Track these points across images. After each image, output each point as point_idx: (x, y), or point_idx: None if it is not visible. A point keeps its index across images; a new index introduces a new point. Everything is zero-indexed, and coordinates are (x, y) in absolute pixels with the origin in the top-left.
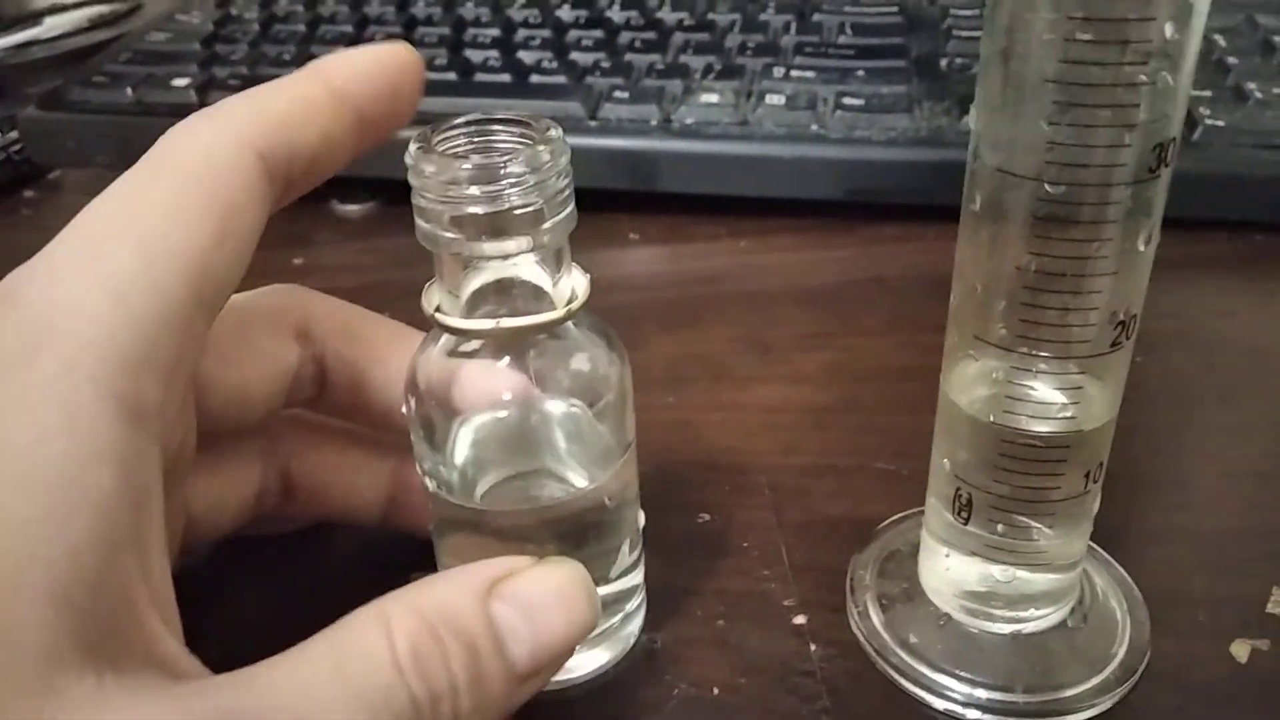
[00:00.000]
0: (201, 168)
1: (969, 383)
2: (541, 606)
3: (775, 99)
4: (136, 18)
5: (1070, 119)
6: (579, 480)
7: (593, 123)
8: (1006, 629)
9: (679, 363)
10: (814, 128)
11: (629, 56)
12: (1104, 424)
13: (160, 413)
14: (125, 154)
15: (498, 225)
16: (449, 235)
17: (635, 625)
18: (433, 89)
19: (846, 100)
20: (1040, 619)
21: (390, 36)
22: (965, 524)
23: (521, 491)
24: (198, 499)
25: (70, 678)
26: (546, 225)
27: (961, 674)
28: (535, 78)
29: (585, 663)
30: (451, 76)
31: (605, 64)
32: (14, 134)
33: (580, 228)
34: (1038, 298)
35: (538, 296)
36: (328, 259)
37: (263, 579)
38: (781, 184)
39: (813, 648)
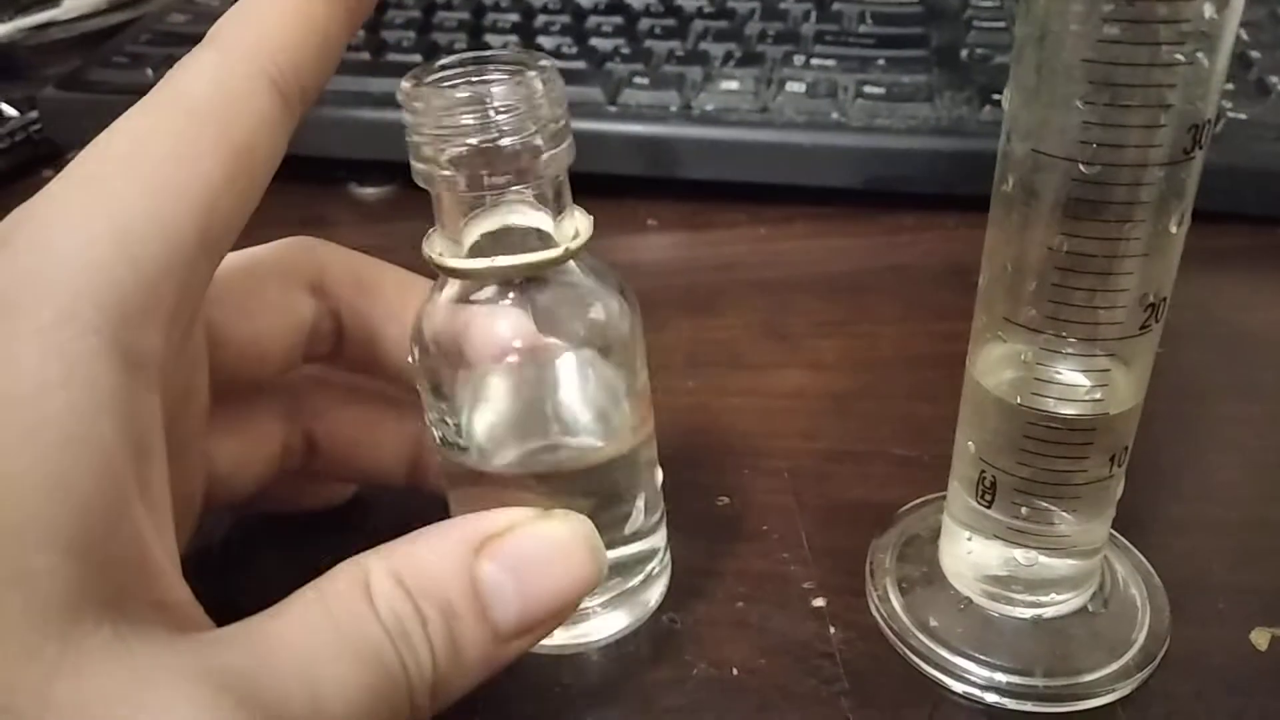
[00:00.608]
0: (211, 102)
1: (996, 365)
2: (535, 564)
3: (796, 87)
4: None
5: (1105, 99)
6: (591, 430)
7: (612, 108)
8: (1027, 613)
9: (697, 348)
10: (834, 116)
11: (649, 43)
12: (1130, 408)
13: (160, 361)
14: None
15: (494, 160)
16: (445, 173)
17: (656, 592)
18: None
19: (867, 89)
20: (1061, 604)
21: (410, 20)
22: (988, 507)
23: (532, 444)
24: (220, 458)
25: (86, 627)
26: (544, 157)
27: (981, 657)
28: (556, 64)
29: (603, 626)
30: None
31: (625, 50)
32: (34, 114)
33: (597, 214)
34: (1068, 279)
35: (544, 240)
36: (345, 242)
37: (290, 555)
38: (801, 172)
39: (832, 630)
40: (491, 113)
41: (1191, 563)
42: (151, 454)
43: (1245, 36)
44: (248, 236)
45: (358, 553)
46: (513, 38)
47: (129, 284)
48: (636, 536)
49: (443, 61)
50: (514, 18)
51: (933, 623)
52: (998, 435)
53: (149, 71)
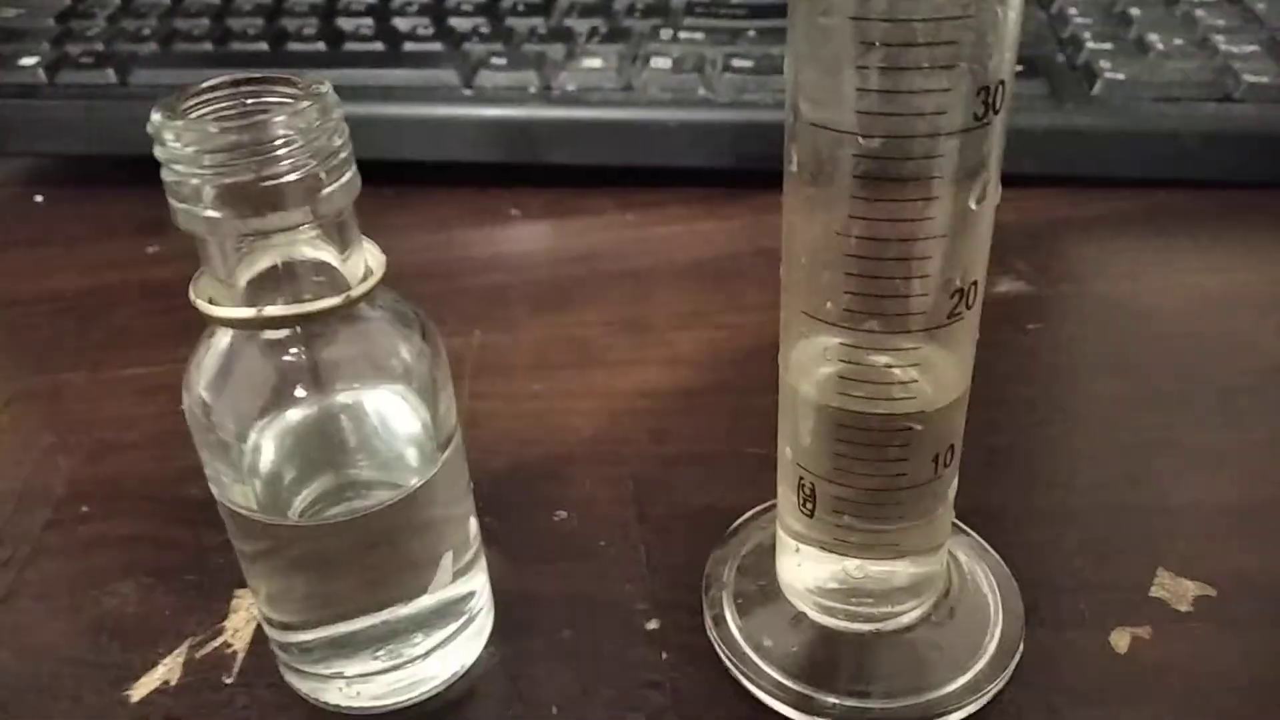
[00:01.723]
0: None
1: (805, 363)
2: None
3: (661, 62)
4: None
5: (880, 61)
6: (387, 478)
7: (468, 91)
8: (865, 627)
9: (549, 347)
10: (701, 91)
11: (510, 21)
12: (951, 402)
13: None
14: None
15: (266, 197)
16: (210, 215)
17: (477, 630)
18: (299, 60)
19: (735, 62)
20: (900, 615)
21: (258, 6)
22: (810, 516)
23: (329, 503)
24: None
25: None
26: (324, 193)
27: (814, 680)
28: (409, 45)
29: (424, 674)
30: (320, 47)
31: (485, 29)
32: None
33: (458, 204)
34: (865, 266)
35: (330, 276)
36: (186, 245)
37: None
38: (668, 152)
39: (664, 655)
40: (263, 145)
41: (1052, 558)
42: None
43: None
44: (76, 245)
45: None
46: (366, 21)
47: None
48: (443, 589)
49: (201, 86)
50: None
51: (767, 642)
52: (812, 439)
53: None
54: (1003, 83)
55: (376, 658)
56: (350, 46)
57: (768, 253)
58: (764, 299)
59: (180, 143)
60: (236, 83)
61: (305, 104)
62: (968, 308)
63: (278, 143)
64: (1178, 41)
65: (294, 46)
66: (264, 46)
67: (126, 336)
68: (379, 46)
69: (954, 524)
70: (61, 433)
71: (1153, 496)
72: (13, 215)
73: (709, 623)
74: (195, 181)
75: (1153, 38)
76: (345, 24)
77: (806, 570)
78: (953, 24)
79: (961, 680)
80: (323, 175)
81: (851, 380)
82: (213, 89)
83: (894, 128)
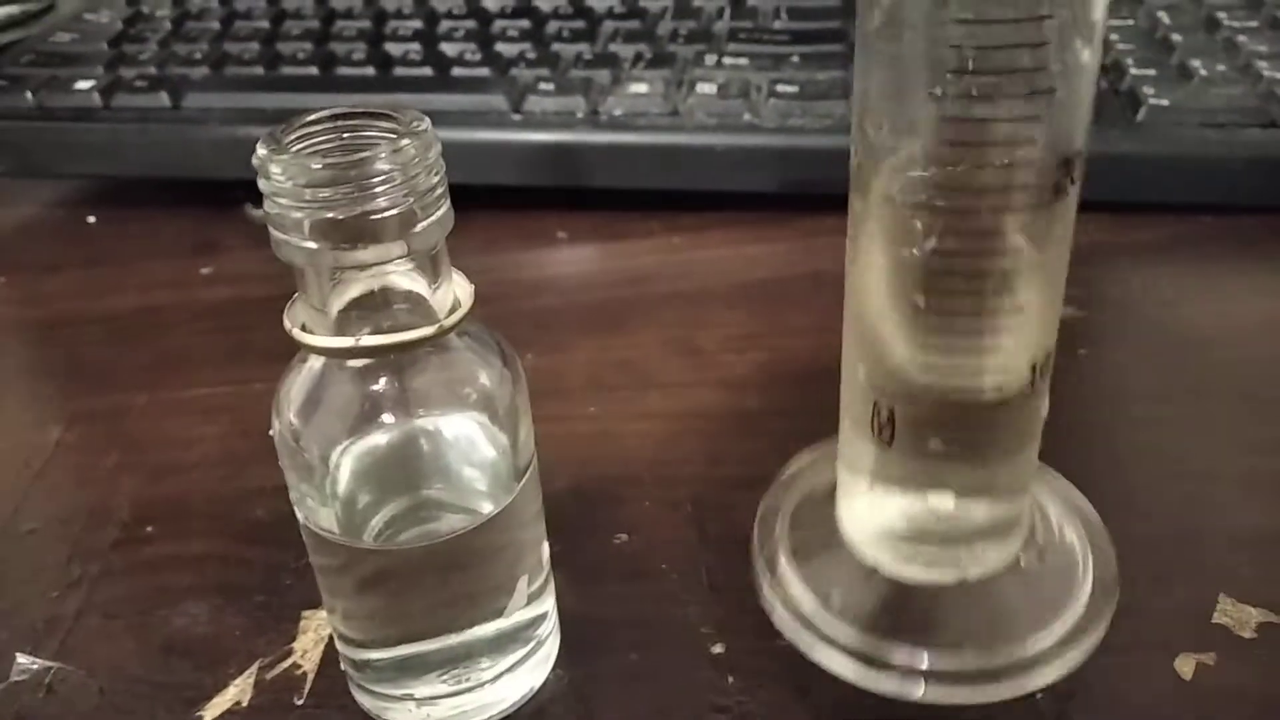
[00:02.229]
0: None
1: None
2: None
3: (707, 88)
4: (50, 18)
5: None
6: (467, 506)
7: (517, 116)
8: (951, 576)
9: (604, 369)
10: (747, 117)
11: (556, 46)
12: (1048, 299)
13: None
14: (26, 161)
15: (363, 231)
16: (308, 245)
17: (545, 655)
18: (349, 85)
19: (780, 88)
20: (988, 559)
21: (308, 31)
22: (890, 445)
23: (403, 521)
24: None
25: None
26: (418, 228)
27: (900, 640)
28: (457, 70)
29: (493, 698)
30: (369, 71)
31: (531, 55)
32: None
33: (507, 227)
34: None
35: (418, 305)
36: (239, 267)
37: None
38: (714, 177)
39: (730, 679)
40: (362, 185)
41: None
42: None
43: (1167, 20)
44: (130, 266)
45: None
46: (414, 45)
47: None
48: (518, 611)
49: (303, 120)
50: (416, 24)
51: (835, 599)
52: (893, 351)
53: (29, 95)
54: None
55: (444, 680)
56: (399, 71)
57: (815, 276)
58: (813, 322)
59: (284, 176)
60: (336, 116)
61: (405, 141)
62: (1073, 183)
63: (377, 179)
64: (1220, 68)
65: (343, 71)
66: (314, 70)
67: (184, 357)
68: (427, 71)
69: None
70: (124, 453)
71: (1211, 522)
72: (67, 236)
73: (765, 589)
74: (297, 215)
75: (1195, 64)
76: (393, 49)
77: (880, 513)
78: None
79: (1061, 628)
80: (418, 211)
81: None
82: (314, 122)
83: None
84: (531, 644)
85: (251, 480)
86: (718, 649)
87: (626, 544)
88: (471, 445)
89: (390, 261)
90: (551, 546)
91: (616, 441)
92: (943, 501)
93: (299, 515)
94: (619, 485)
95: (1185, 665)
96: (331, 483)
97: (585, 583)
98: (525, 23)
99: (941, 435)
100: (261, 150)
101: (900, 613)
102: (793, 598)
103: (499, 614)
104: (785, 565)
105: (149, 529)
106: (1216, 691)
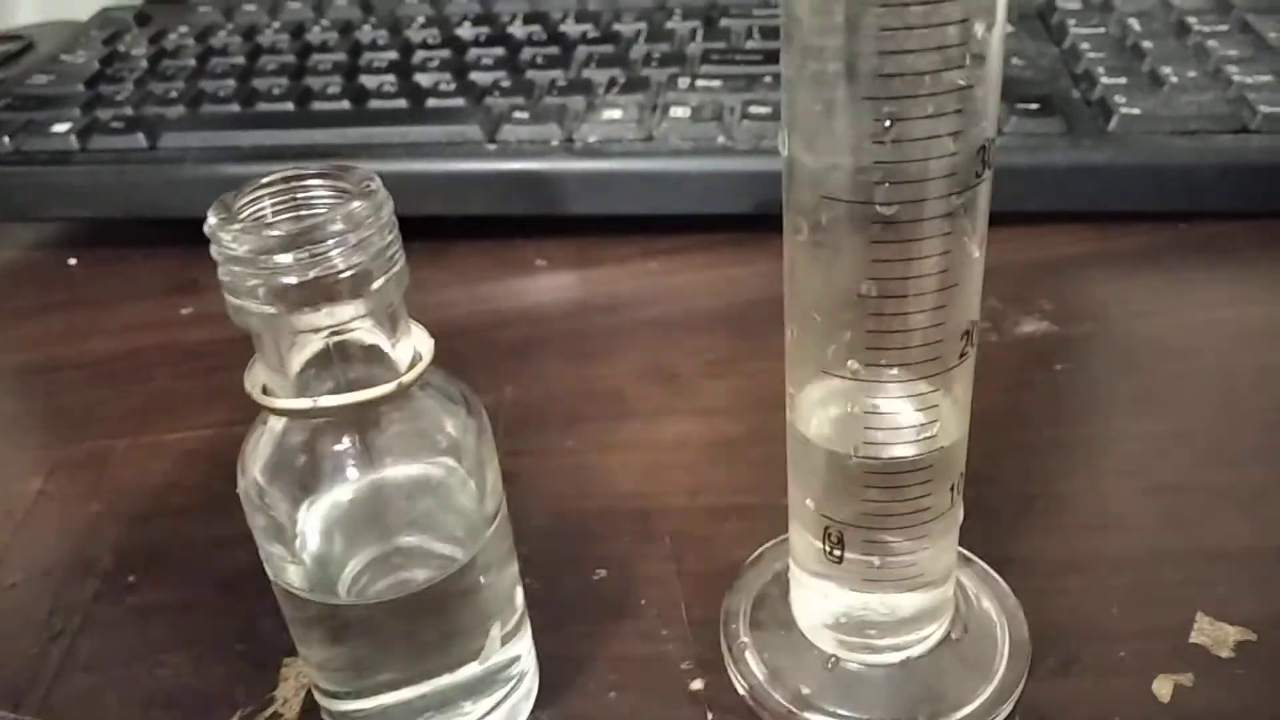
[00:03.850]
0: None
1: (820, 415)
2: None
3: (680, 111)
4: (27, 59)
5: (894, 135)
6: (437, 556)
7: (492, 146)
8: (896, 656)
9: (581, 400)
10: (721, 139)
11: (530, 74)
12: (961, 437)
13: None
14: (6, 206)
15: (319, 293)
16: (265, 310)
17: (522, 695)
18: (325, 119)
19: (753, 109)
20: (927, 639)
21: (283, 65)
22: (839, 562)
23: (376, 576)
24: None
25: None
26: (375, 286)
27: (863, 717)
28: (432, 101)
29: None
30: (345, 105)
31: (505, 83)
32: None
33: (485, 257)
34: (884, 322)
35: (378, 359)
36: (219, 306)
37: None
38: (689, 200)
39: (709, 716)
40: (316, 249)
41: (1089, 605)
42: None
43: (1137, 27)
44: (110, 308)
45: None
46: (389, 77)
47: None
48: (492, 657)
49: (253, 184)
50: (391, 55)
51: (805, 690)
52: (836, 489)
53: (6, 140)
54: (991, 140)
55: None
56: (374, 104)
57: None
58: None
59: (236, 245)
60: (288, 179)
61: (356, 204)
62: (971, 346)
63: (330, 242)
64: (1191, 74)
65: (319, 105)
66: (290, 106)
67: (166, 400)
68: (402, 103)
69: None
70: (106, 500)
71: (1188, 539)
72: (47, 279)
73: (738, 679)
74: (251, 281)
75: (1166, 70)
76: (369, 81)
77: (833, 611)
78: (957, 94)
79: (990, 688)
80: (374, 270)
81: (875, 429)
82: (265, 185)
83: (910, 194)
84: (511, 683)
85: (233, 526)
86: (697, 685)
87: (605, 580)
88: (438, 494)
89: (348, 321)
90: (530, 584)
91: (594, 474)
92: (881, 600)
93: (269, 572)
94: (597, 519)
95: (1163, 687)
96: (299, 539)
97: (564, 622)
98: (499, 50)
99: (882, 552)
100: (212, 219)
101: (863, 698)
102: (769, 696)
103: (474, 659)
104: (755, 666)
105: (131, 578)
106: (1195, 713)
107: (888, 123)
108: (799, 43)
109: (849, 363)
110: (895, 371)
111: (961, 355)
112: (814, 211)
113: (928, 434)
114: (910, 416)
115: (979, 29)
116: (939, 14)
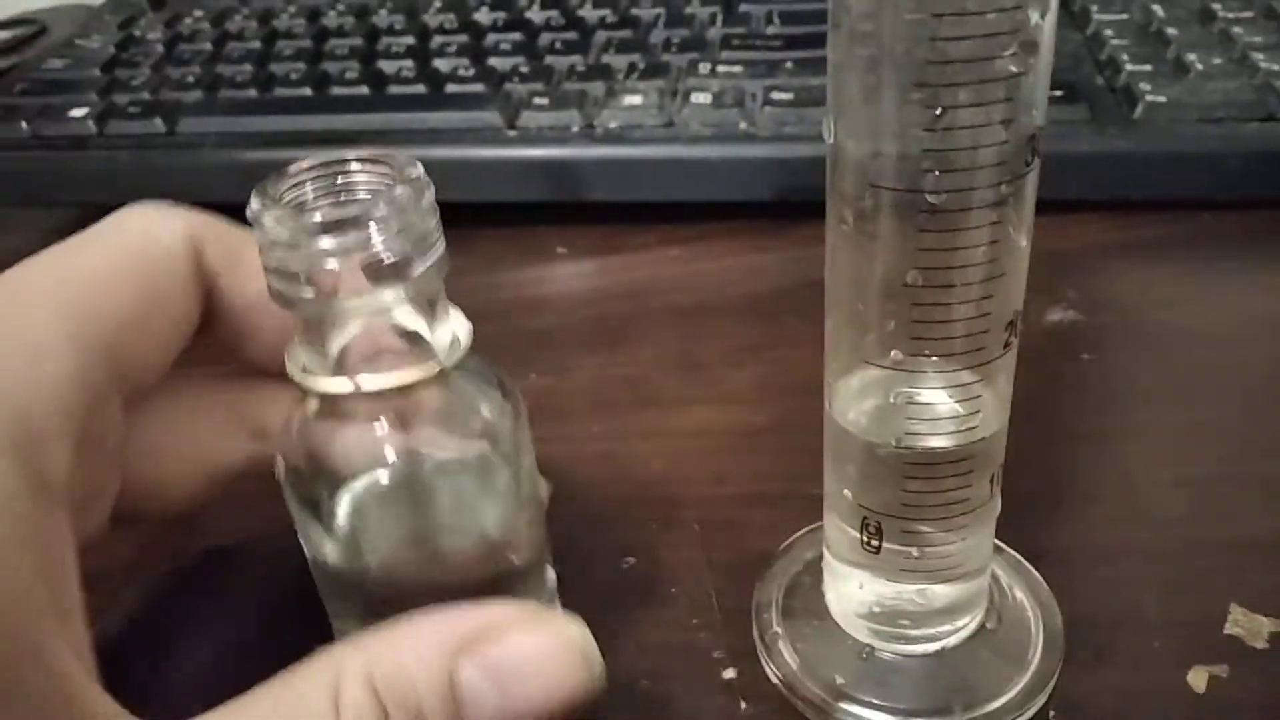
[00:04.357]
0: (138, 243)
1: (859, 406)
2: (521, 673)
3: (701, 97)
4: (40, 43)
5: (945, 123)
6: (473, 538)
7: (512, 132)
8: (932, 646)
9: (605, 387)
10: (742, 125)
11: (549, 59)
12: (1001, 428)
13: (70, 483)
14: (24, 191)
15: (362, 277)
16: (305, 295)
17: None
18: (343, 105)
19: (775, 95)
20: (962, 629)
21: (300, 50)
22: (877, 553)
23: (413, 558)
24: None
25: None
26: (416, 272)
27: (898, 707)
28: (451, 87)
29: None
30: (363, 90)
31: (524, 69)
32: None
33: (505, 244)
34: (928, 312)
35: (417, 343)
36: None
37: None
38: (710, 187)
39: (743, 705)
40: (357, 234)
41: (1122, 597)
42: (65, 578)
43: (1161, 13)
44: None
45: None
46: (407, 63)
47: (42, 403)
48: None
49: (294, 168)
50: (409, 40)
51: (839, 680)
52: (876, 479)
53: (24, 124)
54: (1042, 129)
55: None
56: (393, 90)
57: (814, 285)
58: (812, 332)
59: (280, 228)
60: (329, 163)
61: (399, 189)
62: (1015, 337)
63: (374, 227)
64: (1217, 61)
65: (337, 90)
66: (307, 91)
67: None
68: (421, 89)
69: None
70: None
71: (1221, 530)
72: None
73: (770, 669)
74: (291, 265)
75: (1191, 58)
76: (387, 66)
77: (868, 601)
78: (1007, 82)
79: (1027, 676)
80: (415, 256)
81: (916, 419)
82: (307, 170)
83: (957, 183)
84: None
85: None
86: (730, 674)
87: (634, 568)
88: (474, 477)
89: (389, 306)
90: (559, 572)
91: (621, 461)
92: (918, 590)
93: (305, 551)
94: (625, 507)
95: (1198, 679)
96: (336, 519)
97: (594, 609)
98: (518, 35)
99: (920, 542)
100: (255, 203)
101: (898, 687)
102: (803, 685)
103: None
104: (788, 656)
105: None
106: (1231, 704)
107: (939, 110)
108: (847, 28)
109: (891, 352)
110: (938, 361)
111: (1005, 345)
112: (859, 199)
113: (969, 425)
114: (952, 407)
115: (1034, 16)
116: (994, 0)
